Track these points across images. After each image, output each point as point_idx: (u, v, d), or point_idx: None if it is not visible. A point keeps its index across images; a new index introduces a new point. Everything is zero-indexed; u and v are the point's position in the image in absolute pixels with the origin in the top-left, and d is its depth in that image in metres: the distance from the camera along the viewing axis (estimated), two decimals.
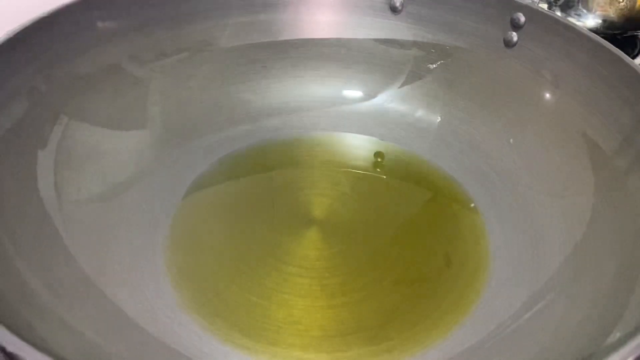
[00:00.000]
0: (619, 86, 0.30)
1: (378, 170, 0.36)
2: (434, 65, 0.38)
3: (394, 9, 0.37)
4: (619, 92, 0.30)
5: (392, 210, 0.33)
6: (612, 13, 0.42)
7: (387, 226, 0.32)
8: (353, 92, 0.39)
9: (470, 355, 0.26)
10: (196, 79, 0.36)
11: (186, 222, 0.31)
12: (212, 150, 0.35)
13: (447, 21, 0.37)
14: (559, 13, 0.44)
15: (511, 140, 0.35)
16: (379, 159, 0.37)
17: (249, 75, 0.38)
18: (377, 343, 0.26)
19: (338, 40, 0.38)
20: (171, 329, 0.26)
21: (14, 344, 0.17)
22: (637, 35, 0.44)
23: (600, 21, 0.43)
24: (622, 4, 0.41)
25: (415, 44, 0.38)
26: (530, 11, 0.34)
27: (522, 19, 0.34)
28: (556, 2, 0.44)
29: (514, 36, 0.35)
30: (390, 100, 0.39)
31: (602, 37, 0.31)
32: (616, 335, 0.21)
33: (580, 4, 0.43)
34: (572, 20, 0.42)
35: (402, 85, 0.38)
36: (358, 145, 0.37)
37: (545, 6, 0.44)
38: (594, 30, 0.37)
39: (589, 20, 0.43)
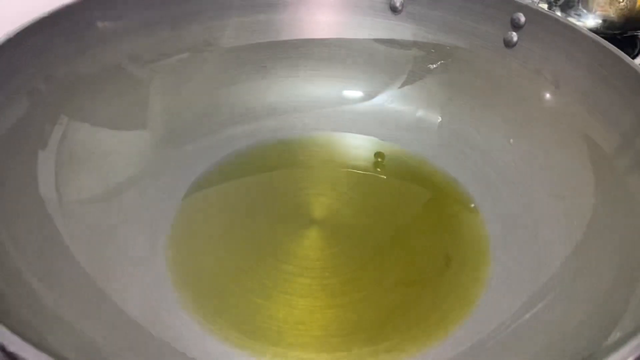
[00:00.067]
0: (619, 86, 0.30)
1: (378, 170, 0.36)
2: (434, 66, 0.38)
3: (394, 9, 0.37)
4: (619, 92, 0.30)
5: (392, 210, 0.33)
6: (612, 13, 0.42)
7: (387, 226, 0.32)
8: (353, 92, 0.39)
9: (470, 355, 0.26)
10: (196, 79, 0.36)
11: (187, 222, 0.31)
12: (212, 150, 0.35)
13: (447, 21, 0.37)
14: (559, 13, 0.44)
15: (511, 140, 0.35)
16: (379, 159, 0.37)
17: (249, 75, 0.38)
18: (377, 343, 0.26)
19: (338, 40, 0.38)
20: (172, 329, 0.26)
21: (14, 343, 0.17)
22: (637, 35, 0.44)
23: (600, 21, 0.43)
24: (622, 4, 0.41)
25: (415, 44, 0.38)
26: (530, 11, 0.34)
27: (522, 19, 0.34)
28: (556, 2, 0.44)
29: (514, 36, 0.35)
30: (390, 100, 0.39)
31: (602, 37, 0.31)
32: (616, 335, 0.21)
33: (580, 4, 0.43)
34: (572, 20, 0.42)
35: (403, 85, 0.38)
36: (358, 146, 0.37)
37: (545, 6, 0.44)
38: (594, 30, 0.37)
39: (589, 20, 0.43)
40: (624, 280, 0.25)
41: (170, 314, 0.26)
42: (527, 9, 0.34)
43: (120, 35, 0.33)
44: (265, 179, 0.35)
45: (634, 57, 0.42)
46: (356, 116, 0.38)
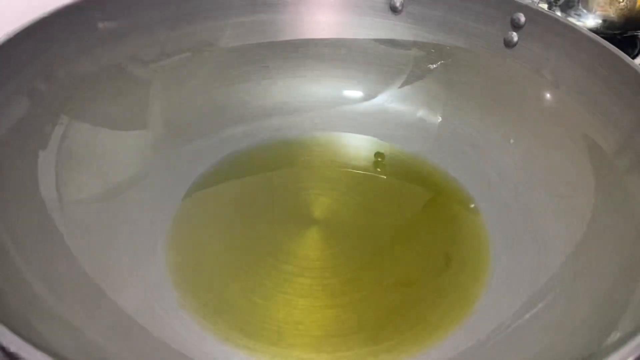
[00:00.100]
0: (619, 86, 0.30)
1: (378, 170, 0.36)
2: (434, 66, 0.38)
3: (394, 9, 0.37)
4: (619, 92, 0.30)
5: (392, 210, 0.33)
6: (612, 13, 0.42)
7: (387, 226, 0.32)
8: (353, 92, 0.39)
9: (470, 355, 0.26)
10: (197, 79, 0.36)
11: (187, 222, 0.31)
12: (212, 150, 0.35)
13: (447, 21, 0.37)
14: (559, 13, 0.44)
15: (511, 140, 0.35)
16: (379, 159, 0.37)
17: (249, 76, 0.38)
18: (377, 343, 0.26)
19: (338, 40, 0.38)
20: (172, 329, 0.26)
21: (15, 343, 0.17)
22: (637, 35, 0.44)
23: (600, 21, 0.43)
24: (622, 4, 0.41)
25: (415, 44, 0.38)
26: (530, 11, 0.34)
27: (523, 19, 0.34)
28: (556, 2, 0.44)
29: (514, 36, 0.35)
30: (390, 100, 0.39)
31: (602, 37, 0.31)
32: (616, 335, 0.21)
33: (580, 4, 0.43)
34: (572, 20, 0.42)
35: (403, 85, 0.38)
36: (358, 146, 0.37)
37: (545, 6, 0.44)
38: (594, 30, 0.37)
39: (589, 20, 0.43)
40: (624, 280, 0.25)
41: (170, 314, 0.26)
42: (527, 9, 0.34)
43: (120, 35, 0.33)
44: (265, 179, 0.35)
45: (634, 57, 0.42)
46: (356, 116, 0.38)
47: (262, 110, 0.38)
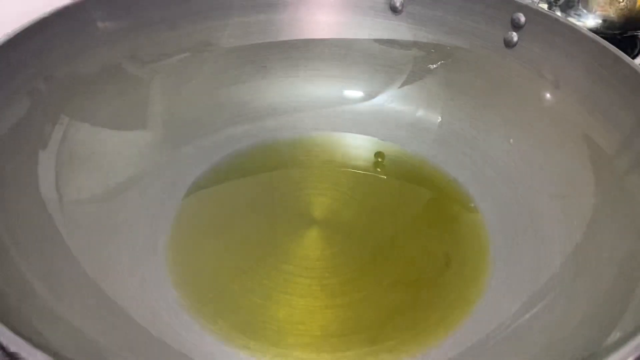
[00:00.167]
0: (619, 86, 0.30)
1: (378, 170, 0.36)
2: (434, 66, 0.38)
3: (394, 10, 0.37)
4: (619, 92, 0.30)
5: (392, 210, 0.33)
6: (612, 13, 0.42)
7: (387, 226, 0.32)
8: (353, 92, 0.39)
9: (470, 355, 0.26)
10: (197, 79, 0.36)
11: (187, 222, 0.31)
12: (212, 150, 0.35)
13: (447, 21, 0.37)
14: (559, 13, 0.44)
15: (511, 140, 0.35)
16: (379, 159, 0.37)
17: (249, 76, 0.38)
18: (377, 343, 0.26)
19: (338, 40, 0.38)
20: (172, 329, 0.26)
21: (15, 343, 0.17)
22: (637, 35, 0.44)
23: (600, 21, 0.43)
24: (622, 4, 0.41)
25: (415, 44, 0.38)
26: (530, 11, 0.34)
27: (523, 19, 0.34)
28: (556, 2, 0.44)
29: (514, 36, 0.35)
30: (390, 100, 0.39)
31: (602, 37, 0.31)
32: (616, 335, 0.21)
33: (580, 4, 0.43)
34: (572, 20, 0.42)
35: (403, 85, 0.38)
36: (358, 146, 0.37)
37: (545, 6, 0.44)
38: (594, 30, 0.37)
39: (589, 20, 0.43)
40: (624, 280, 0.25)
41: (170, 314, 0.26)
42: (527, 9, 0.34)
43: (120, 35, 0.33)
44: (265, 179, 0.35)
45: (634, 57, 0.42)
46: (356, 116, 0.38)
47: (262, 110, 0.38)
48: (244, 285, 0.28)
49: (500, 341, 0.26)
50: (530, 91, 0.34)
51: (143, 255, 0.29)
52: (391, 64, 0.38)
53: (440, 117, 0.38)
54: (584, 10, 0.43)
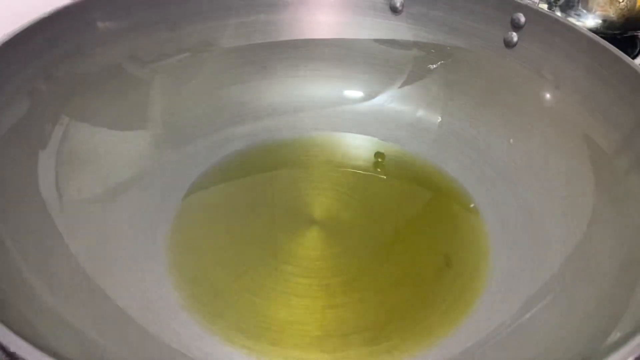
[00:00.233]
0: (619, 86, 0.30)
1: (378, 170, 0.36)
2: (434, 66, 0.38)
3: (394, 10, 0.37)
4: (619, 92, 0.30)
5: (392, 210, 0.33)
6: (612, 13, 0.42)
7: (387, 226, 0.32)
8: (353, 93, 0.39)
9: (470, 355, 0.26)
10: (197, 79, 0.36)
11: (187, 222, 0.31)
12: (212, 150, 0.35)
13: (447, 21, 0.37)
14: (559, 13, 0.44)
15: (511, 140, 0.35)
16: (379, 159, 0.37)
17: (249, 76, 0.38)
18: (377, 343, 0.26)
19: (338, 40, 0.38)
20: (172, 329, 0.26)
21: (15, 343, 0.17)
22: (637, 35, 0.44)
23: (600, 21, 0.43)
24: (622, 4, 0.41)
25: (415, 44, 0.38)
26: (530, 11, 0.34)
27: (522, 19, 0.34)
28: (556, 2, 0.44)
29: (514, 36, 0.35)
30: (390, 100, 0.39)
31: (602, 37, 0.31)
32: (616, 335, 0.21)
33: (580, 4, 0.43)
34: (572, 20, 0.42)
35: (403, 85, 0.38)
36: (358, 146, 0.37)
37: (545, 6, 0.44)
38: (594, 30, 0.37)
39: (589, 20, 0.43)
40: (624, 280, 0.25)
41: (170, 314, 0.26)
42: (527, 9, 0.34)
43: (120, 35, 0.33)
44: (265, 179, 0.35)
45: (634, 57, 0.42)
46: (356, 116, 0.38)
47: (262, 110, 0.38)
48: (244, 285, 0.28)
49: (500, 341, 0.26)
50: (530, 91, 0.34)
51: (143, 255, 0.29)
52: (391, 64, 0.38)
53: (440, 117, 0.38)
54: (584, 10, 0.43)
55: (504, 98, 0.36)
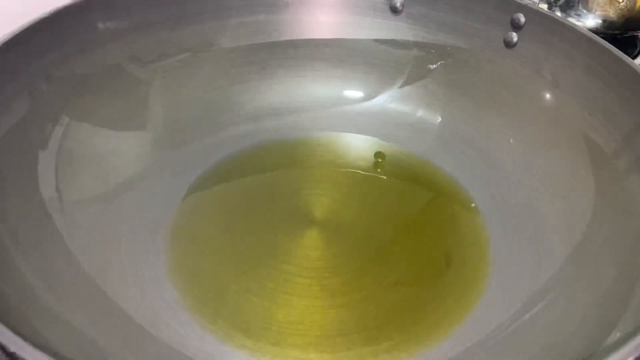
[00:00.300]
0: (619, 86, 0.30)
1: (378, 170, 0.36)
2: (434, 66, 0.38)
3: (394, 10, 0.37)
4: (619, 92, 0.30)
5: (392, 210, 0.33)
6: (612, 13, 0.42)
7: (388, 226, 0.32)
8: (353, 93, 0.39)
9: (470, 355, 0.26)
10: (197, 80, 0.36)
11: (187, 222, 0.31)
12: (212, 151, 0.35)
13: (447, 21, 0.37)
14: (559, 13, 0.44)
15: (511, 140, 0.35)
16: (380, 159, 0.37)
17: (249, 76, 0.38)
18: (377, 343, 0.26)
19: (338, 40, 0.38)
20: (172, 329, 0.26)
21: (15, 343, 0.17)
22: (637, 35, 0.44)
23: (600, 21, 0.43)
24: (622, 4, 0.41)
25: (415, 44, 0.38)
26: (530, 11, 0.34)
27: (522, 19, 0.34)
28: (556, 2, 0.44)
29: (514, 36, 0.35)
30: (390, 100, 0.39)
31: (602, 37, 0.31)
32: (616, 335, 0.21)
33: (580, 4, 0.43)
34: (572, 20, 0.42)
35: (403, 85, 0.38)
36: (358, 146, 0.37)
37: (545, 6, 0.44)
38: (594, 30, 0.37)
39: (589, 20, 0.43)
40: (624, 280, 0.25)
41: (170, 314, 0.26)
42: (527, 9, 0.34)
43: (120, 35, 0.33)
44: (265, 179, 0.35)
45: (634, 57, 0.42)
46: (356, 116, 0.38)
47: (262, 110, 0.38)
48: (244, 285, 0.28)
49: (500, 341, 0.26)
50: (530, 91, 0.34)
51: (143, 256, 0.29)
52: (391, 64, 0.38)
53: (440, 117, 0.38)
54: (584, 10, 0.43)
55: (504, 98, 0.36)
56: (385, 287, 0.29)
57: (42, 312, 0.22)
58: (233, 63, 0.37)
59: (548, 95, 0.34)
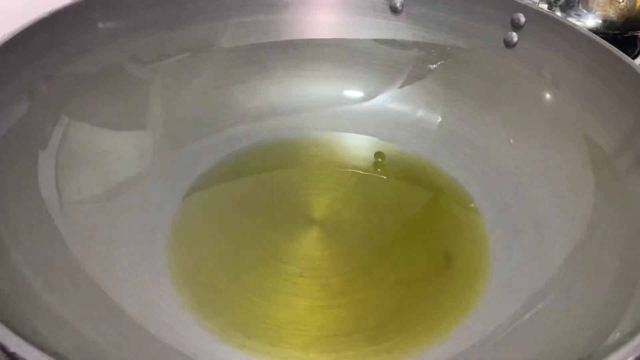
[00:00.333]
0: (619, 86, 0.30)
1: (378, 170, 0.36)
2: (434, 66, 0.38)
3: (394, 10, 0.37)
4: (619, 92, 0.30)
5: (392, 210, 0.33)
6: (612, 13, 0.42)
7: (387, 226, 0.32)
8: (353, 93, 0.39)
9: (471, 355, 0.26)
10: (197, 80, 0.36)
11: (187, 222, 0.31)
12: (212, 151, 0.35)
13: (447, 21, 0.37)
14: (559, 13, 0.44)
15: (511, 140, 0.35)
16: (380, 159, 0.37)
17: (249, 76, 0.38)
18: (377, 343, 0.26)
19: (338, 40, 0.38)
20: (172, 329, 0.26)
21: (15, 344, 0.17)
22: (637, 35, 0.44)
23: (600, 21, 0.43)
24: (622, 4, 0.41)
25: (415, 44, 0.38)
26: (530, 11, 0.34)
27: (522, 19, 0.34)
28: (556, 2, 0.44)
29: (514, 36, 0.35)
30: (390, 100, 0.39)
31: (602, 37, 0.31)
32: (616, 335, 0.21)
33: (580, 4, 0.43)
34: (572, 20, 0.42)
35: (403, 85, 0.38)
36: (358, 146, 0.37)
37: (545, 6, 0.44)
38: (594, 30, 0.37)
39: (589, 20, 0.43)
40: (624, 280, 0.25)
41: (170, 314, 0.26)
42: (527, 9, 0.34)
43: (120, 35, 0.33)
44: (265, 179, 0.35)
45: (634, 57, 0.42)
46: (356, 116, 0.38)
47: (262, 110, 0.38)
48: (244, 285, 0.28)
49: (500, 341, 0.26)
50: (530, 91, 0.34)
51: (143, 255, 0.29)
52: (391, 64, 0.38)
53: (440, 117, 0.38)
54: (584, 10, 0.43)
55: (504, 98, 0.36)
56: (385, 287, 0.29)
57: (42, 312, 0.22)
58: (233, 63, 0.37)
59: (548, 95, 0.34)
